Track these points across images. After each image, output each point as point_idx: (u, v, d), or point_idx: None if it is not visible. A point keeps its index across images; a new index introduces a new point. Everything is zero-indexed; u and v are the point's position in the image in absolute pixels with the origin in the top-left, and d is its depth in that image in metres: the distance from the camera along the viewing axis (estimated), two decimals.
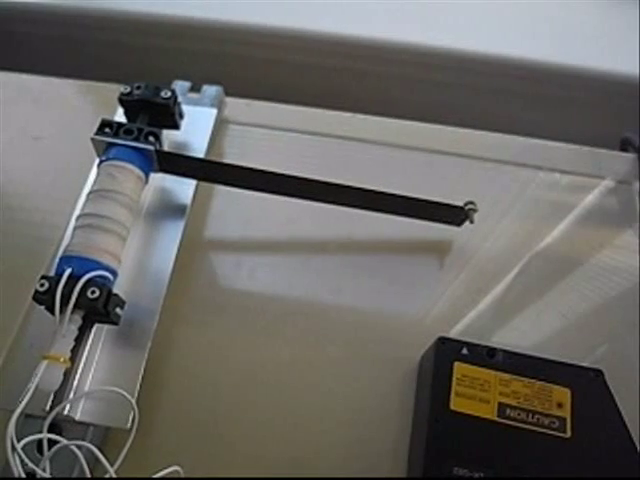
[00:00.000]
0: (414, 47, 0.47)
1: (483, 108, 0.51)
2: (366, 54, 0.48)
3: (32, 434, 0.25)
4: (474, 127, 0.42)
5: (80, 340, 0.28)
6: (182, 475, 0.25)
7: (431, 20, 0.49)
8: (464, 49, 0.47)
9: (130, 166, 0.32)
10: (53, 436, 0.25)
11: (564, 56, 0.47)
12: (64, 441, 0.25)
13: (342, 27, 0.47)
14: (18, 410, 0.24)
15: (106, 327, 0.30)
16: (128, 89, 0.35)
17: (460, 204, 0.34)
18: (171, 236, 0.34)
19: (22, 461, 0.24)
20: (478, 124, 0.43)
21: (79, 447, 0.25)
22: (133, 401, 0.27)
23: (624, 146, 0.43)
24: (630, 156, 0.42)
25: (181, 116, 0.37)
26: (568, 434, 0.26)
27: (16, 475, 0.24)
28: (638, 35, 0.47)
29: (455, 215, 0.35)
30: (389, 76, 0.51)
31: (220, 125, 0.41)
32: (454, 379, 0.28)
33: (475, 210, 0.34)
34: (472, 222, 0.35)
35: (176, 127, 0.36)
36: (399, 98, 0.52)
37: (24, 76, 0.45)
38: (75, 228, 0.30)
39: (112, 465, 0.25)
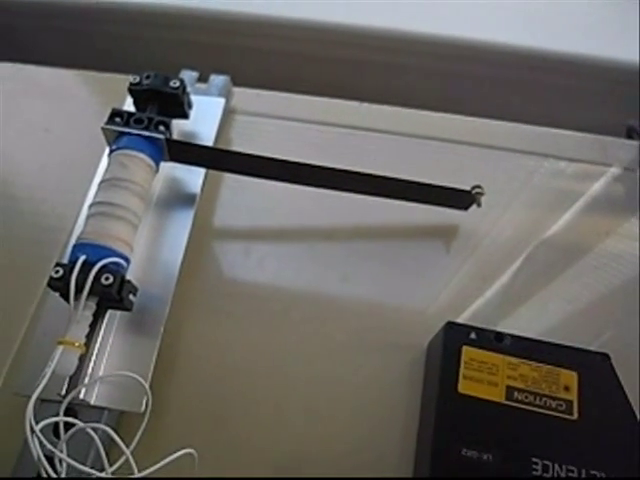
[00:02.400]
0: (420, 37, 0.47)
1: (489, 97, 0.51)
2: (373, 44, 0.48)
3: (48, 418, 0.25)
4: (480, 116, 0.42)
5: (94, 326, 0.29)
6: (196, 457, 0.26)
7: (436, 10, 0.49)
8: (469, 38, 0.47)
9: (141, 155, 0.32)
10: (69, 419, 0.26)
11: (569, 44, 0.47)
12: (80, 424, 0.26)
13: (349, 17, 0.47)
14: (35, 394, 0.25)
15: (119, 313, 0.31)
16: (137, 79, 0.35)
17: (467, 188, 0.35)
18: (181, 224, 0.34)
19: (40, 443, 0.24)
20: (484, 113, 0.43)
21: (95, 430, 0.26)
22: (147, 385, 0.28)
23: (630, 134, 0.43)
24: (635, 144, 0.42)
25: (190, 106, 0.37)
26: (575, 416, 0.27)
27: (35, 456, 0.24)
28: None
29: (462, 199, 0.35)
30: (396, 66, 0.51)
31: (228, 115, 0.42)
32: (462, 363, 0.28)
33: (482, 193, 0.35)
34: (479, 205, 0.35)
35: (185, 116, 0.37)
36: (406, 87, 0.52)
37: (32, 68, 0.45)
38: (88, 216, 0.30)
39: (127, 447, 0.25)
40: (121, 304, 0.28)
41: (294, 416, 0.31)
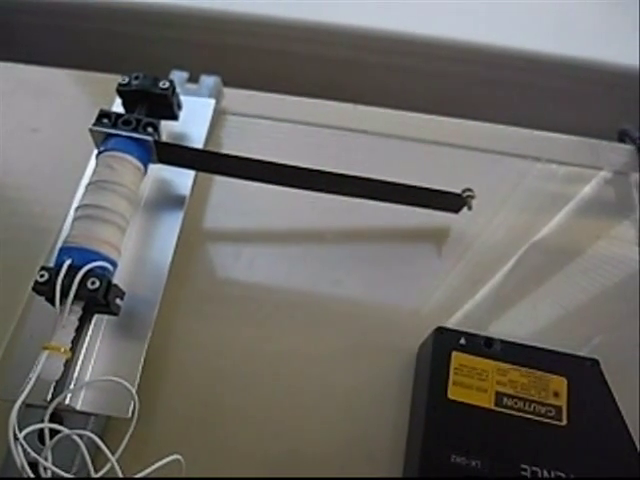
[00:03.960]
0: (414, 38, 0.47)
1: (482, 99, 0.51)
2: (366, 45, 0.48)
3: (33, 424, 0.25)
4: (473, 118, 0.42)
5: (80, 331, 0.28)
6: (183, 463, 0.25)
7: (431, 11, 0.49)
8: (464, 40, 0.47)
9: (129, 157, 0.32)
10: (54, 426, 0.25)
11: (563, 47, 0.47)
12: (65, 430, 0.25)
13: (342, 18, 0.47)
14: (20, 400, 0.24)
15: (106, 318, 0.30)
16: (126, 79, 0.35)
17: (458, 191, 0.35)
18: (170, 227, 0.34)
19: (24, 451, 0.24)
20: (477, 115, 0.43)
21: (80, 436, 0.25)
22: (133, 391, 0.27)
23: (622, 137, 0.43)
24: (628, 147, 0.42)
25: (179, 107, 0.36)
26: (564, 422, 0.27)
27: (19, 465, 0.24)
28: (638, 27, 0.47)
29: (453, 202, 0.35)
30: (389, 67, 0.50)
31: (218, 116, 0.41)
32: (452, 368, 0.28)
33: (473, 196, 0.35)
34: (470, 208, 0.35)
35: (174, 118, 0.36)
36: (399, 89, 0.52)
37: (21, 66, 0.44)
38: (74, 219, 0.30)
39: (113, 454, 0.25)
40: (108, 308, 0.28)
41: (284, 420, 0.31)
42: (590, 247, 0.37)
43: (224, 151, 0.35)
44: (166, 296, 0.32)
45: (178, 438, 0.30)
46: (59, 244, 0.30)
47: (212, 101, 0.40)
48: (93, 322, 0.29)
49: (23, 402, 0.25)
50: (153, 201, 0.35)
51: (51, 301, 0.27)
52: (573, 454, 0.26)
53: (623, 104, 0.47)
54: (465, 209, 0.35)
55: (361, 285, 0.35)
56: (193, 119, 0.38)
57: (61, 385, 0.27)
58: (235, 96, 0.43)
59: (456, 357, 0.28)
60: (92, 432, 0.26)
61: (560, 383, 0.28)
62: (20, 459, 0.24)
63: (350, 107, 0.43)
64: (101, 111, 0.33)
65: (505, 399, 0.27)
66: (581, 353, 0.29)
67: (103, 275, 0.28)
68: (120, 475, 0.25)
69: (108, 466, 0.25)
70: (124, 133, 0.32)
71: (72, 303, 0.27)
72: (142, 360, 0.29)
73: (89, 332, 0.29)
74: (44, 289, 0.27)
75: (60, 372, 0.26)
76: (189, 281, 0.35)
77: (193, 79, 0.42)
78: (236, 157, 0.33)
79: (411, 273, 0.36)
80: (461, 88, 0.51)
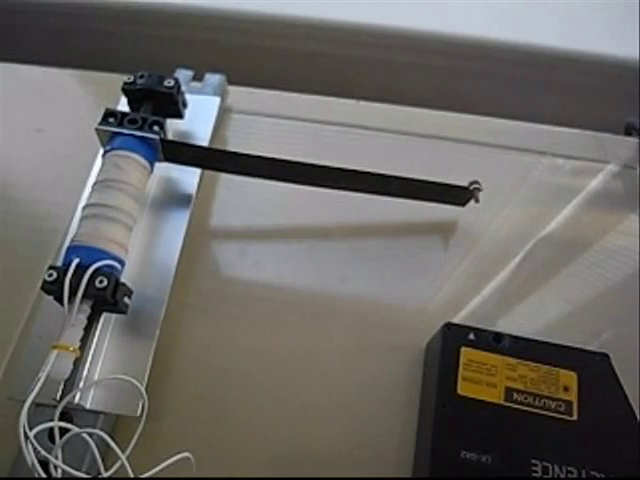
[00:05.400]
0: (416, 33, 0.47)
1: (486, 94, 0.51)
2: (369, 41, 0.48)
3: (43, 423, 0.25)
4: (477, 113, 0.42)
5: (89, 329, 0.28)
6: (193, 461, 0.25)
7: (432, 6, 0.49)
8: (467, 35, 0.47)
9: (135, 155, 0.32)
10: (64, 424, 0.25)
11: (567, 41, 0.47)
12: (75, 429, 0.25)
13: (345, 14, 0.47)
14: (30, 399, 0.25)
15: (114, 316, 0.30)
16: (131, 78, 0.35)
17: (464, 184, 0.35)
18: (177, 225, 0.34)
19: (35, 449, 0.24)
20: (482, 110, 0.42)
21: (90, 435, 0.26)
22: (142, 389, 0.28)
23: (628, 131, 0.43)
24: (634, 141, 0.42)
25: (185, 105, 0.36)
26: (574, 417, 0.27)
27: (30, 463, 0.24)
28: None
29: (460, 195, 0.35)
30: (392, 63, 0.50)
31: (223, 114, 0.41)
32: (461, 364, 0.28)
33: (480, 189, 0.35)
34: (477, 201, 0.35)
35: (180, 116, 0.36)
36: (402, 85, 0.52)
37: (26, 67, 0.44)
38: (81, 218, 0.30)
39: (123, 452, 0.25)
40: (116, 307, 0.28)
41: (292, 418, 0.31)
42: (597, 241, 0.37)
43: (229, 149, 0.35)
44: (173, 295, 0.32)
45: (187, 436, 0.30)
46: (67, 243, 0.30)
47: (217, 99, 0.40)
48: (101, 321, 0.30)
49: (33, 401, 0.25)
50: (159, 200, 0.35)
51: (59, 300, 0.27)
52: (584, 449, 0.26)
53: (629, 97, 0.47)
54: (472, 202, 0.35)
55: (367, 282, 0.35)
56: (198, 117, 0.38)
57: (70, 384, 0.27)
58: (240, 94, 0.43)
59: (465, 353, 0.28)
60: (102, 430, 0.26)
61: (570, 378, 0.27)
62: (31, 458, 0.24)
63: (353, 103, 0.43)
64: (107, 110, 0.33)
65: (515, 394, 0.27)
66: (590, 347, 0.29)
67: (111, 274, 0.28)
68: (130, 473, 0.25)
69: (118, 464, 0.25)
70: (130, 132, 0.32)
71: (80, 302, 0.27)
72: (150, 358, 0.30)
73: (97, 331, 0.29)
74: (52, 288, 0.27)
75: (69, 371, 0.26)
76: (196, 280, 0.35)
77: (198, 77, 0.42)
78: (241, 154, 0.33)
79: (418, 268, 0.35)
80: (465, 83, 0.51)
